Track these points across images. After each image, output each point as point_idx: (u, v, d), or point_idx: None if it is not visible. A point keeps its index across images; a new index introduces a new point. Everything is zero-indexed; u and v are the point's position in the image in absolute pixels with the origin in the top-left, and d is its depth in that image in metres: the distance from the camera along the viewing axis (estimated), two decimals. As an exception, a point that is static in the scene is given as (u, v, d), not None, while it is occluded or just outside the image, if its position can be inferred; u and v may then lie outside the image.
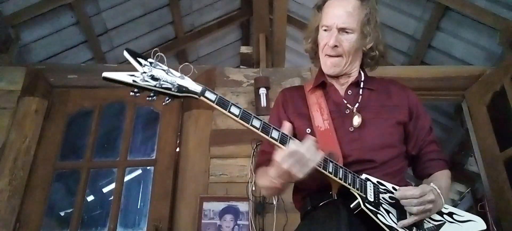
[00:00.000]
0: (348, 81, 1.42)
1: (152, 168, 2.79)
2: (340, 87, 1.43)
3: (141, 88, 1.08)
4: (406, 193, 1.20)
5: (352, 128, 1.32)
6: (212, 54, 4.85)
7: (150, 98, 1.10)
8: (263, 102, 2.84)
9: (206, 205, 2.57)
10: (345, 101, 1.38)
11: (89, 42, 3.66)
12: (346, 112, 1.36)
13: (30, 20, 3.23)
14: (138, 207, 3.10)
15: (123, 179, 2.78)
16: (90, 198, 3.68)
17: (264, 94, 2.86)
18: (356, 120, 1.32)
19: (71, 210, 2.75)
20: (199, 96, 1.13)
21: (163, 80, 1.09)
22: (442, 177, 1.38)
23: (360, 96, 1.39)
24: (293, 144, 1.12)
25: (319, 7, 1.44)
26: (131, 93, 1.08)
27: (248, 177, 2.65)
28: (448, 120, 4.20)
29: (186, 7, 4.06)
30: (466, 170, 4.87)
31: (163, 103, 1.14)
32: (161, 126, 2.89)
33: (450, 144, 4.42)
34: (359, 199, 1.18)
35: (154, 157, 2.82)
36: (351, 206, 1.19)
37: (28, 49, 3.39)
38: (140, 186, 3.22)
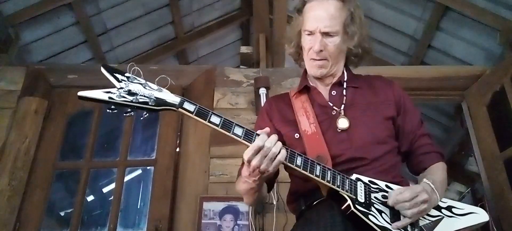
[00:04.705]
0: (332, 82, 1.40)
1: (152, 168, 2.78)
2: (325, 88, 1.41)
3: (118, 105, 1.07)
4: (398, 197, 1.17)
5: (340, 129, 1.29)
6: (212, 54, 4.84)
7: (128, 114, 1.09)
8: (263, 102, 2.83)
9: (206, 205, 2.57)
10: (331, 104, 1.36)
11: (89, 42, 3.66)
12: (333, 113, 1.34)
13: (30, 20, 3.23)
14: (138, 207, 3.10)
15: (123, 179, 2.77)
16: (90, 198, 3.69)
17: (264, 94, 2.86)
18: (343, 123, 1.30)
19: (71, 210, 2.75)
20: (177, 108, 1.12)
21: (140, 95, 1.09)
22: (437, 170, 1.34)
23: (344, 97, 1.37)
24: (258, 139, 1.10)
25: (299, 10, 1.41)
26: (107, 110, 1.08)
27: (248, 177, 2.65)
28: (448, 120, 4.20)
29: (186, 7, 4.06)
30: (466, 170, 4.87)
31: (141, 118, 1.11)
32: (161, 126, 2.88)
33: (450, 144, 4.41)
34: (349, 201, 1.16)
35: (154, 157, 2.81)
36: (342, 208, 1.17)
37: (28, 49, 3.39)
38: (140, 186, 3.22)
